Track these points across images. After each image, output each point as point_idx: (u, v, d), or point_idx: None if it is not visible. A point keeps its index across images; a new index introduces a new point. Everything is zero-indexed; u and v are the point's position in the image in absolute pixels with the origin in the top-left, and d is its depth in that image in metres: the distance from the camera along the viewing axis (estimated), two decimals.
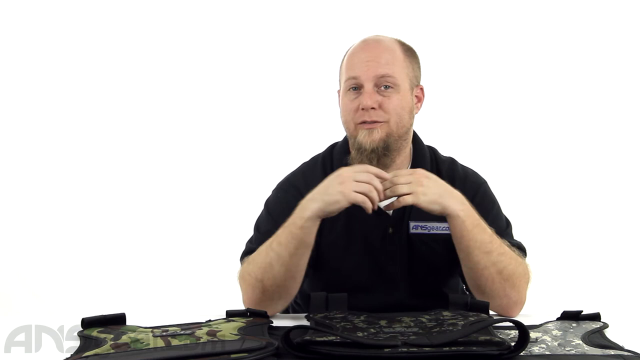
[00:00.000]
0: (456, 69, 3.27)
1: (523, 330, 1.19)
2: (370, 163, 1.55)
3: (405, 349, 1.16)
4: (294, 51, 3.36)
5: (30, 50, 3.37)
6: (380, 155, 1.57)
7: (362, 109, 1.55)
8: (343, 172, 1.44)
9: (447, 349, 1.16)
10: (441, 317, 1.38)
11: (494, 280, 1.50)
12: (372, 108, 1.55)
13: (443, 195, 1.46)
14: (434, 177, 1.48)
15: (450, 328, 1.29)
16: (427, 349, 1.16)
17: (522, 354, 1.18)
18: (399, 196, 1.45)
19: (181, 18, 3.39)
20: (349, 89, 1.59)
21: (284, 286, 1.51)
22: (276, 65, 3.37)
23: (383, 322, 1.35)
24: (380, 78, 1.56)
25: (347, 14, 3.30)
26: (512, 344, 1.19)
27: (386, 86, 1.56)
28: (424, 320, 1.37)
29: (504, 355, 1.17)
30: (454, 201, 1.47)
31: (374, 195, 1.42)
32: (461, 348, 1.17)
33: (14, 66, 3.38)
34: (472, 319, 1.34)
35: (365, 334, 1.27)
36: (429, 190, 1.44)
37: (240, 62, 3.38)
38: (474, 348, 1.17)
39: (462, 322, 1.32)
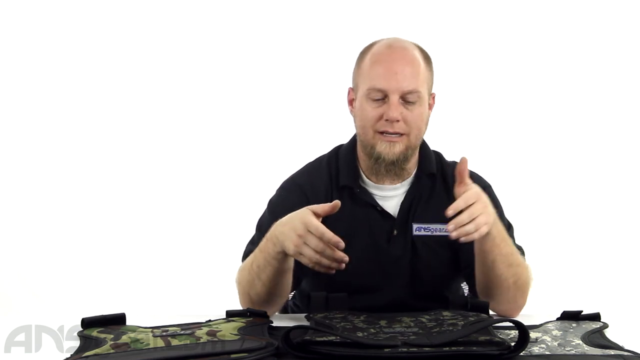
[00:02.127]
0: (459, 72, 3.26)
1: (523, 330, 1.19)
2: (387, 173, 1.59)
3: (405, 349, 1.16)
4: (299, 51, 3.35)
5: (30, 50, 3.37)
6: (398, 167, 1.58)
7: (387, 119, 1.54)
8: (301, 220, 1.36)
9: (447, 349, 1.16)
10: (441, 317, 1.38)
11: (509, 289, 1.51)
12: (397, 120, 1.54)
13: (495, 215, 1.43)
14: (485, 196, 1.42)
15: (450, 328, 1.29)
16: (427, 349, 1.16)
17: (522, 354, 1.18)
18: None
19: (185, 18, 3.38)
20: (371, 97, 1.56)
21: (270, 300, 1.52)
22: (280, 66, 3.36)
23: (383, 322, 1.35)
24: (407, 93, 1.54)
25: (353, 15, 3.29)
26: (512, 344, 1.20)
27: (410, 99, 1.56)
28: (423, 320, 1.37)
29: (504, 355, 1.17)
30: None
31: (323, 266, 1.36)
32: (461, 348, 1.17)
33: (14, 66, 3.38)
34: (472, 319, 1.34)
35: (365, 334, 1.27)
36: (491, 211, 1.40)
37: (244, 62, 3.38)
38: (474, 348, 1.17)
39: (462, 322, 1.32)
